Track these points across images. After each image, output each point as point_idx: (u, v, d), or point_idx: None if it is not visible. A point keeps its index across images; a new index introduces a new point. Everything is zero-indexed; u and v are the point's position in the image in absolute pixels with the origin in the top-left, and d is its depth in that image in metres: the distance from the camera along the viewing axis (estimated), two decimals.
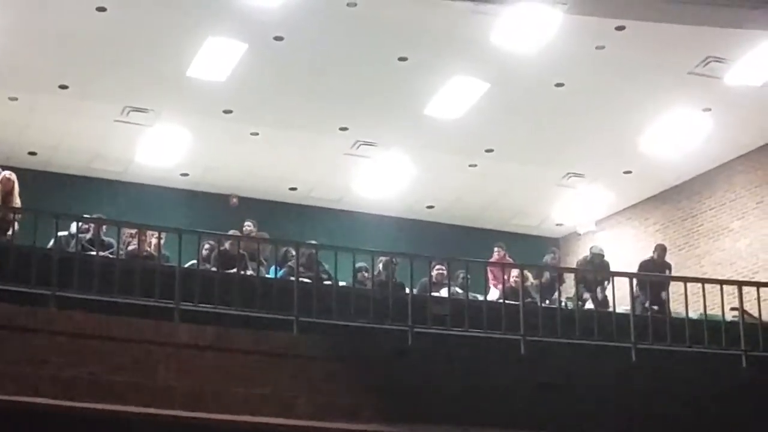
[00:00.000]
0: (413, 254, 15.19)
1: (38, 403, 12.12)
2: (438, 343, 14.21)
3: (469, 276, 15.75)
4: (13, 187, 14.83)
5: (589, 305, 16.44)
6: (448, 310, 14.55)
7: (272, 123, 19.53)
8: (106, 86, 18.33)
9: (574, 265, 19.27)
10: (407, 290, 14.81)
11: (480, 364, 14.02)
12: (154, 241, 14.91)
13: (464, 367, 13.92)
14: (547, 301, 16.15)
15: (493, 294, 16.40)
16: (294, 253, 15.65)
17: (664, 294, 16.57)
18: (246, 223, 17.62)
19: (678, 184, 21.48)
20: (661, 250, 18.12)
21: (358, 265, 15.39)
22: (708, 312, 15.50)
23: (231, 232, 16.18)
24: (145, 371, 12.72)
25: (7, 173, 15.00)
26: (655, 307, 16.32)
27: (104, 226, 15.17)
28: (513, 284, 16.08)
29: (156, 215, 17.89)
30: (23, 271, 12.92)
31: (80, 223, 14.95)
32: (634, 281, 16.05)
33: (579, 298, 16.35)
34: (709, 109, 18.93)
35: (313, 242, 16.01)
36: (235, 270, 14.34)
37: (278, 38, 17.09)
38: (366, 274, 15.66)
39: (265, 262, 16.18)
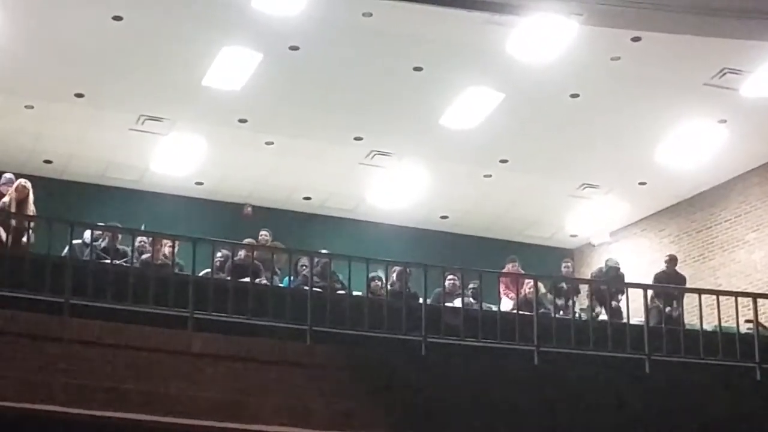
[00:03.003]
0: (427, 264, 15.16)
1: (51, 410, 12.15)
2: (451, 353, 14.20)
3: (482, 286, 15.73)
4: (28, 195, 14.85)
5: (603, 316, 16.41)
6: (462, 320, 14.54)
7: (287, 132, 19.54)
8: (121, 95, 18.37)
9: (589, 277, 19.25)
10: (421, 300, 14.81)
11: (493, 375, 14.01)
12: (168, 249, 14.91)
13: (478, 378, 13.92)
14: (561, 312, 16.11)
15: (506, 304, 16.37)
16: (304, 263, 15.68)
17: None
18: (262, 232, 17.62)
19: (693, 195, 21.41)
20: (671, 260, 18.08)
21: (371, 274, 15.40)
22: (722, 324, 15.45)
23: (246, 241, 16.17)
24: (157, 380, 12.74)
25: (22, 181, 15.03)
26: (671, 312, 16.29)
27: (119, 235, 15.18)
28: (527, 294, 16.07)
29: (170, 224, 17.90)
30: (37, 279, 12.96)
31: (95, 231, 14.96)
32: (649, 293, 16.00)
33: (593, 310, 16.33)
34: (725, 121, 18.89)
35: (327, 252, 15.99)
36: (248, 279, 14.34)
37: (294, 48, 17.11)
38: (379, 283, 15.65)
39: (279, 272, 16.17)
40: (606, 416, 14.05)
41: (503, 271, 17.65)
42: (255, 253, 15.34)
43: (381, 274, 15.58)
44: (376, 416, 13.35)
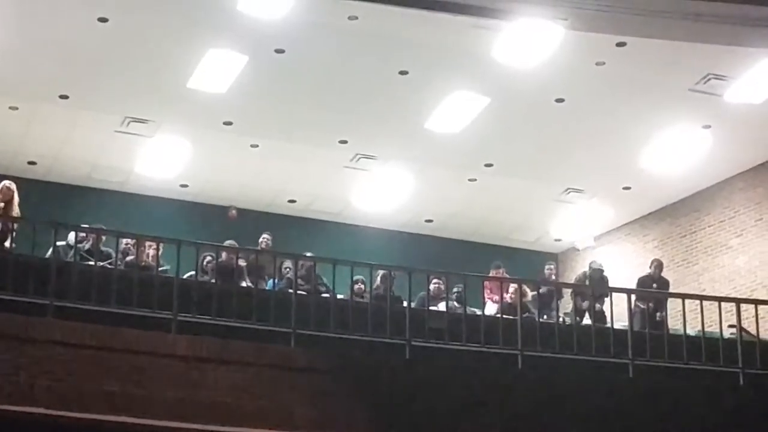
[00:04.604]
0: (411, 268, 15.18)
1: (34, 412, 12.12)
2: (435, 357, 14.21)
3: (466, 290, 15.74)
4: (12, 197, 14.83)
5: (587, 320, 16.43)
6: (446, 323, 14.55)
7: (272, 135, 19.54)
8: (106, 96, 18.33)
9: (573, 281, 19.27)
10: (405, 303, 14.81)
11: (477, 379, 14.02)
12: (152, 251, 14.89)
13: (461, 381, 13.93)
14: (545, 316, 16.13)
15: (489, 308, 16.38)
16: (288, 266, 15.66)
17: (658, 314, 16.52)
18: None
19: (677, 200, 21.46)
20: (657, 265, 18.11)
21: (354, 277, 15.40)
22: (706, 329, 15.49)
23: (227, 243, 16.12)
24: (142, 382, 12.72)
25: (6, 183, 15.00)
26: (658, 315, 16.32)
27: (103, 237, 15.15)
28: (510, 299, 16.09)
29: (155, 226, 17.86)
30: (21, 281, 12.93)
31: (79, 233, 14.93)
32: (633, 297, 16.03)
33: (577, 312, 16.35)
34: (709, 126, 18.94)
35: (311, 255, 15.99)
36: (233, 281, 14.33)
37: (279, 51, 17.11)
38: (362, 286, 15.64)
39: (266, 278, 16.14)
40: (589, 421, 14.07)
41: (489, 275, 17.65)
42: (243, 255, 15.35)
43: (362, 277, 15.62)
44: (360, 419, 13.35)
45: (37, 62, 17.37)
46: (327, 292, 15.24)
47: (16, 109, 18.67)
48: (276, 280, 15.80)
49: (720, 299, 16.12)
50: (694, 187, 20.94)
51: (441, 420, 13.60)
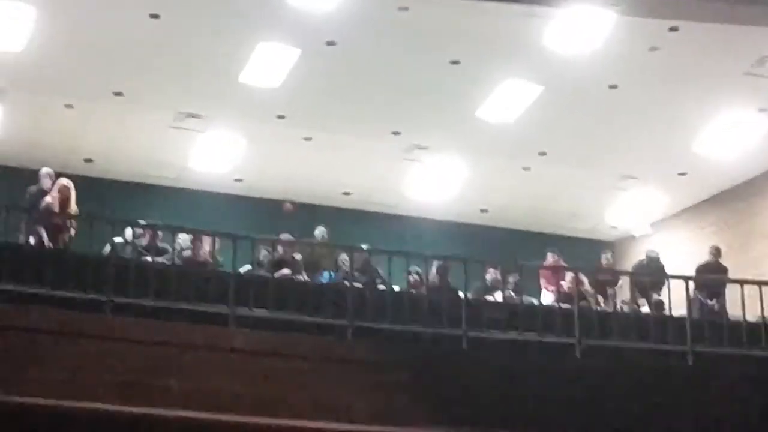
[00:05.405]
0: (467, 258, 15.15)
1: (94, 408, 12.22)
2: (493, 348, 14.18)
3: (522, 280, 15.70)
4: (69, 195, 14.95)
5: (645, 310, 16.34)
6: (503, 314, 14.51)
7: (325, 128, 19.57)
8: (159, 93, 18.44)
9: (630, 269, 19.14)
10: (461, 294, 14.79)
11: (535, 368, 13.97)
12: (207, 247, 14.95)
13: (519, 371, 13.89)
14: (602, 304, 16.04)
15: (547, 298, 16.32)
16: (344, 258, 15.67)
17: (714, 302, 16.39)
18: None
19: (734, 185, 21.26)
20: (715, 251, 17.95)
21: (410, 268, 15.39)
22: (766, 315, 15.34)
23: (283, 236, 16.16)
24: (200, 377, 12.78)
25: (64, 181, 15.11)
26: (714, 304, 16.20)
27: (159, 232, 15.22)
28: (567, 289, 16.01)
29: (210, 221, 17.95)
30: (79, 278, 13.03)
31: (136, 229, 15.03)
32: (691, 284, 15.91)
33: (635, 302, 16.25)
34: (765, 110, 18.76)
35: (367, 247, 15.99)
36: (289, 275, 14.35)
37: (331, 43, 17.13)
38: (417, 277, 15.60)
39: (322, 271, 16.14)
40: (649, 409, 13.99)
41: (544, 263, 17.57)
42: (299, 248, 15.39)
43: (418, 268, 15.60)
44: (417, 411, 13.34)
45: (91, 60, 17.51)
46: (383, 285, 15.23)
47: (71, 107, 18.83)
48: (332, 273, 15.81)
49: None
50: (751, 172, 20.73)
51: (499, 410, 13.56)
